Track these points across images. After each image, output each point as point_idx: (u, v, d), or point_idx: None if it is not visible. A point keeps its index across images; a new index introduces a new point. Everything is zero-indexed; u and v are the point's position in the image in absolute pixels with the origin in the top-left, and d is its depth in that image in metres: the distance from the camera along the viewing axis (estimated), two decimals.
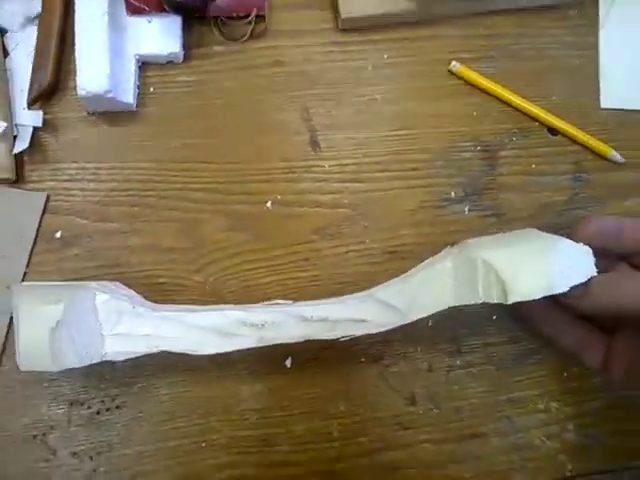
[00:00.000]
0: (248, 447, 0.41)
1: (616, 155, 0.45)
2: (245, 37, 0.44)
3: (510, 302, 0.33)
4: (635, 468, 0.43)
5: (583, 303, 0.34)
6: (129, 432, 0.41)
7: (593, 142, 0.45)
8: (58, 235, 0.42)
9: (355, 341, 0.42)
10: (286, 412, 0.41)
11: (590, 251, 0.34)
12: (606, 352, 0.37)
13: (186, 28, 0.44)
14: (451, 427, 0.42)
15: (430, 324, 0.43)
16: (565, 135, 0.46)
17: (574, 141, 0.46)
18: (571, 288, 0.32)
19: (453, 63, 0.45)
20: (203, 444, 0.41)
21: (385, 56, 0.45)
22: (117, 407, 0.41)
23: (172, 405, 0.41)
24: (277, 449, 0.41)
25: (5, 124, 0.41)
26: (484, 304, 0.35)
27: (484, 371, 0.43)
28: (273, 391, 0.42)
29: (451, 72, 0.45)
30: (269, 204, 0.43)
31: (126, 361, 0.37)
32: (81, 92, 0.40)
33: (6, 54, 0.44)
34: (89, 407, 0.41)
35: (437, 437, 0.42)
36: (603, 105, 0.46)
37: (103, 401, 0.41)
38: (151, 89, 0.44)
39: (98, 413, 0.41)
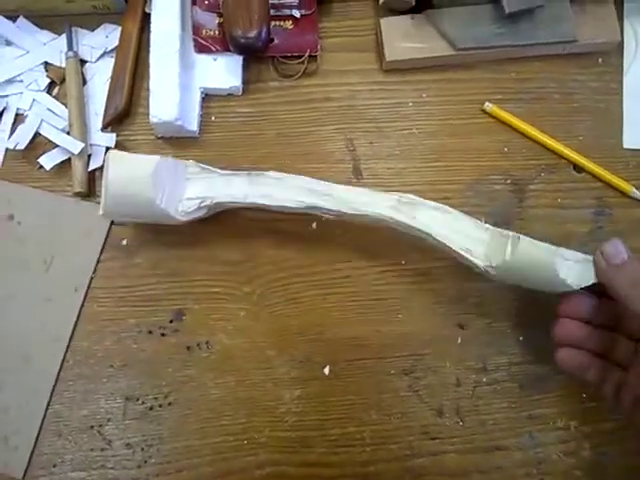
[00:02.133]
0: (286, 447, 0.44)
1: (637, 192, 0.49)
2: (298, 75, 0.49)
3: None
4: None
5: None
6: (178, 427, 0.44)
7: (616, 180, 0.49)
8: (124, 243, 0.46)
9: (388, 353, 0.46)
10: (323, 416, 0.45)
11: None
12: (619, 385, 0.40)
13: (246, 65, 0.49)
14: (475, 439, 0.45)
15: (459, 342, 0.46)
16: (589, 172, 0.49)
17: (598, 178, 0.49)
18: None
19: (487, 103, 0.49)
20: (245, 442, 0.44)
21: (424, 95, 0.50)
22: (169, 404, 0.45)
23: (219, 404, 0.45)
24: (313, 450, 0.44)
25: (82, 144, 0.46)
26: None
27: (508, 388, 0.46)
28: (311, 396, 0.45)
29: (484, 111, 0.50)
30: (314, 225, 0.47)
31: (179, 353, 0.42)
32: (153, 119, 0.46)
33: (84, 82, 0.49)
34: (143, 402, 0.45)
35: (462, 448, 0.45)
36: (626, 145, 0.50)
37: (156, 397, 0.45)
38: (212, 118, 0.49)
39: (151, 409, 0.45)
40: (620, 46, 0.52)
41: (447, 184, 0.49)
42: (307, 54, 0.49)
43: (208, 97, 0.49)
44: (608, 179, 0.49)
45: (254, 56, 0.49)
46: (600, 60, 0.52)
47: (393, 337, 0.46)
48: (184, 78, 0.47)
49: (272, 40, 0.49)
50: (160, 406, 0.45)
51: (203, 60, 0.49)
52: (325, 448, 0.45)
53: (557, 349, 0.41)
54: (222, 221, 0.47)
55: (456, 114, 0.50)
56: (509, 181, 0.49)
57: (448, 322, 0.47)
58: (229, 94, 0.49)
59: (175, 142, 0.48)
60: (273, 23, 0.49)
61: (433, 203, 0.43)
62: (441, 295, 0.47)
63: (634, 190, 0.49)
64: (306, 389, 0.45)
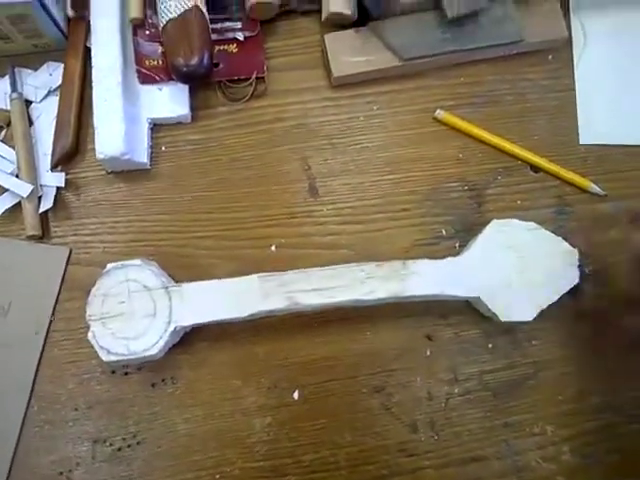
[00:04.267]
0: (259, 477, 0.43)
1: (596, 188, 0.48)
2: (246, 98, 0.49)
3: None
4: None
5: None
6: (149, 466, 0.43)
7: (573, 177, 0.48)
8: (81, 286, 0.45)
9: (358, 372, 0.45)
10: (294, 443, 0.44)
11: None
12: None
13: (193, 92, 0.49)
14: (452, 452, 0.44)
15: (428, 354, 0.46)
16: (547, 172, 0.49)
17: (556, 177, 0.49)
18: None
19: (438, 111, 0.49)
20: (217, 476, 0.43)
21: (375, 108, 0.50)
22: (138, 443, 0.44)
23: (188, 439, 0.44)
24: (287, 479, 0.44)
25: (31, 186, 0.46)
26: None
27: (481, 397, 0.45)
28: (282, 423, 0.44)
29: (436, 119, 0.49)
30: (273, 247, 0.47)
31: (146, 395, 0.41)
32: (99, 155, 0.45)
33: (31, 123, 0.48)
34: (111, 444, 0.44)
35: (439, 462, 0.44)
36: (582, 141, 0.50)
37: (124, 438, 0.44)
38: (162, 148, 0.48)
39: (120, 449, 0.44)
40: (569, 41, 0.51)
41: (405, 194, 0.48)
42: (254, 76, 0.48)
43: (157, 127, 0.49)
44: (566, 177, 0.49)
45: (199, 83, 0.48)
46: (550, 57, 0.51)
47: (361, 355, 0.45)
48: (129, 111, 0.46)
49: (217, 65, 0.48)
50: (129, 446, 0.44)
51: (148, 91, 0.48)
52: (299, 476, 0.44)
53: None
54: (179, 253, 0.46)
55: (408, 124, 0.50)
56: (466, 187, 0.49)
57: (416, 334, 0.46)
58: (178, 122, 0.49)
59: (126, 176, 0.48)
60: (217, 48, 0.49)
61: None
62: (407, 308, 0.46)
63: (592, 185, 0.48)
64: (276, 416, 0.44)
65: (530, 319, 0.43)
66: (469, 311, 0.46)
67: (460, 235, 0.48)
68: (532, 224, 0.43)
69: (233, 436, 0.44)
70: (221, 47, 0.49)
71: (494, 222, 0.44)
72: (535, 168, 0.49)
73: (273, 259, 0.47)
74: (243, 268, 0.46)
